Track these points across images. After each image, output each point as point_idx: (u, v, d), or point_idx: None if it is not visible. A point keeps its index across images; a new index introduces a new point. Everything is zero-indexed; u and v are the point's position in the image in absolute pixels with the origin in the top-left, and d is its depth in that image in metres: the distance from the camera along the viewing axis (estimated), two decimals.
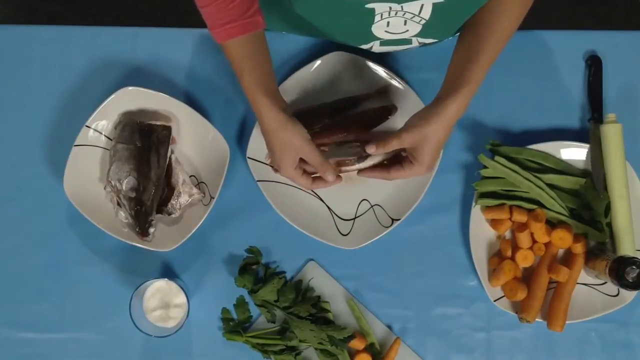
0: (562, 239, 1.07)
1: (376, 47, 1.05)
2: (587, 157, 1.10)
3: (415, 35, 0.99)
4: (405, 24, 0.94)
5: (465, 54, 0.93)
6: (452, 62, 0.95)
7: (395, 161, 0.99)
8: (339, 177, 1.02)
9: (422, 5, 0.88)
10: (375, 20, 0.92)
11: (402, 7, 0.88)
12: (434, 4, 0.87)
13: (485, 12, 0.91)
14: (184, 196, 1.07)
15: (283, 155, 0.97)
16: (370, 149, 0.97)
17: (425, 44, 1.04)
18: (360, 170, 1.02)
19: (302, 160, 0.98)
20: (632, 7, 1.94)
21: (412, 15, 0.91)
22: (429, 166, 0.95)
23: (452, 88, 0.91)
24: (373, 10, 0.88)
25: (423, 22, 0.92)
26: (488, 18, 0.91)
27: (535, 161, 1.09)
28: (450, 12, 0.90)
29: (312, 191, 1.11)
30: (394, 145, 0.95)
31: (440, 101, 0.91)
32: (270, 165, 1.10)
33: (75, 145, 1.06)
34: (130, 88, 1.07)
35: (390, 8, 0.88)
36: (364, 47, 1.06)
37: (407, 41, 1.01)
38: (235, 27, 0.90)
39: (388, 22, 0.93)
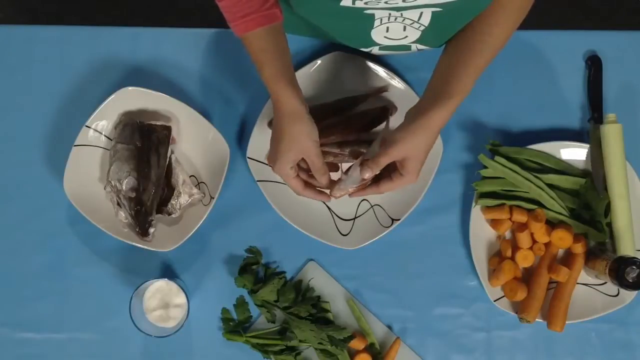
0: (562, 239, 1.07)
1: (375, 52, 1.05)
2: (587, 157, 1.10)
3: (414, 42, 0.98)
4: (404, 29, 0.93)
5: (454, 62, 0.91)
6: (438, 68, 0.93)
7: (384, 175, 0.96)
8: (328, 195, 1.00)
9: (422, 12, 0.87)
10: (375, 25, 0.92)
11: (401, 13, 0.88)
12: (433, 12, 0.87)
13: (478, 21, 0.90)
14: (184, 196, 1.07)
15: (286, 150, 0.93)
16: (366, 174, 0.94)
17: (423, 51, 1.04)
18: (351, 193, 0.99)
19: (299, 164, 0.97)
20: (633, 7, 1.94)
21: (412, 22, 0.90)
22: (418, 175, 0.94)
23: (438, 98, 0.89)
24: (372, 15, 0.88)
25: (422, 28, 0.92)
26: (479, 27, 0.90)
27: (535, 161, 1.09)
28: (449, 19, 0.90)
29: None
30: (383, 162, 0.93)
31: (425, 112, 0.89)
32: (270, 165, 1.10)
33: (75, 145, 1.06)
34: (130, 88, 1.07)
35: (390, 14, 0.88)
36: (363, 50, 1.06)
37: (406, 47, 1.01)
38: (253, 20, 0.90)
39: (387, 28, 0.93)
